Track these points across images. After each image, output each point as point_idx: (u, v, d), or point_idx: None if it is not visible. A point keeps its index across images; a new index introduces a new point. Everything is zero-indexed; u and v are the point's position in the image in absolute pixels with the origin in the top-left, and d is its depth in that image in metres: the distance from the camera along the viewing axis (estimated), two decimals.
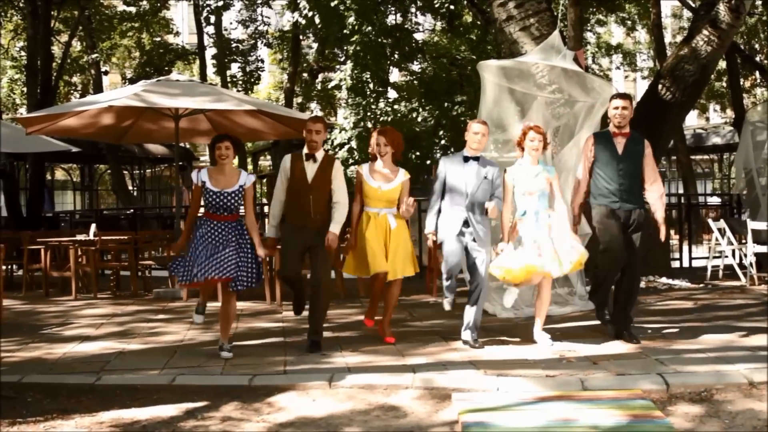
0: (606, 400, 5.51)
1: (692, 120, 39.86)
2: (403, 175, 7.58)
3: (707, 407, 5.40)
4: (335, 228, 7.31)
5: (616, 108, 7.50)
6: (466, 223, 7.33)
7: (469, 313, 7.36)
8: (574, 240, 7.39)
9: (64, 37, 25.42)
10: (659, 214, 7.57)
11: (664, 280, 11.34)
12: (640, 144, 7.55)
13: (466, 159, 7.44)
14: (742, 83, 26.41)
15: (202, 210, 7.15)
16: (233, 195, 6.95)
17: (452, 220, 7.34)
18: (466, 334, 7.36)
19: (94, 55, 24.66)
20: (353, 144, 18.15)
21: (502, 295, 7.85)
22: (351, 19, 17.64)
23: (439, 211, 7.44)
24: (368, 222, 7.46)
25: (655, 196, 7.59)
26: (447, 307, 7.49)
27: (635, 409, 5.33)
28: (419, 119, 19.00)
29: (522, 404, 5.49)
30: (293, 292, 7.68)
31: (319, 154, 7.40)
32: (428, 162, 17.43)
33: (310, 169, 7.36)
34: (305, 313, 7.63)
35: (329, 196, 7.36)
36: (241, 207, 7.06)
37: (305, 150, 7.40)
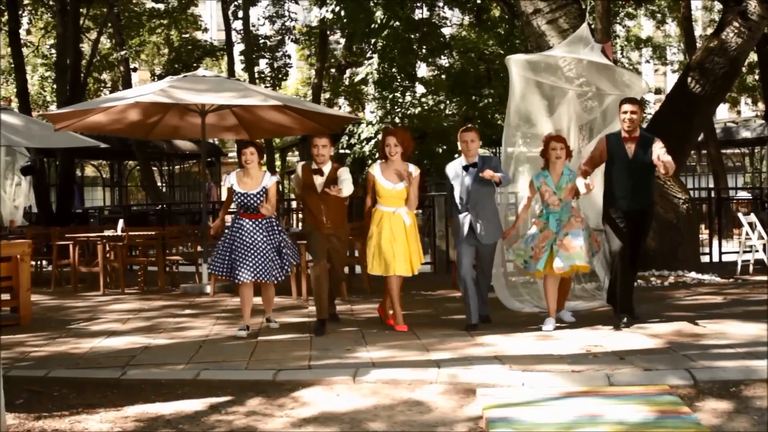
0: (633, 396, 5.45)
1: (723, 113, 39.39)
2: (414, 171, 7.82)
3: (736, 403, 5.32)
4: (342, 186, 7.68)
5: (625, 113, 7.68)
6: (471, 228, 7.75)
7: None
8: (587, 240, 7.72)
9: (94, 35, 25.60)
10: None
11: (693, 274, 11.20)
12: (648, 145, 7.66)
13: (465, 168, 7.80)
14: None
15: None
16: (257, 196, 7.85)
17: (460, 226, 7.83)
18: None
19: (122, 52, 24.81)
20: (380, 138, 18.12)
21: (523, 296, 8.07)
22: (378, 14, 17.61)
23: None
24: (385, 221, 7.76)
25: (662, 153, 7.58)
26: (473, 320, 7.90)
27: (662, 404, 5.26)
28: (447, 113, 18.94)
29: (547, 399, 5.44)
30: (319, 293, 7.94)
31: (326, 167, 7.89)
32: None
33: (319, 181, 7.86)
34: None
35: (340, 202, 7.91)
36: None
37: (313, 165, 7.91)
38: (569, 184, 7.68)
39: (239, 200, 7.87)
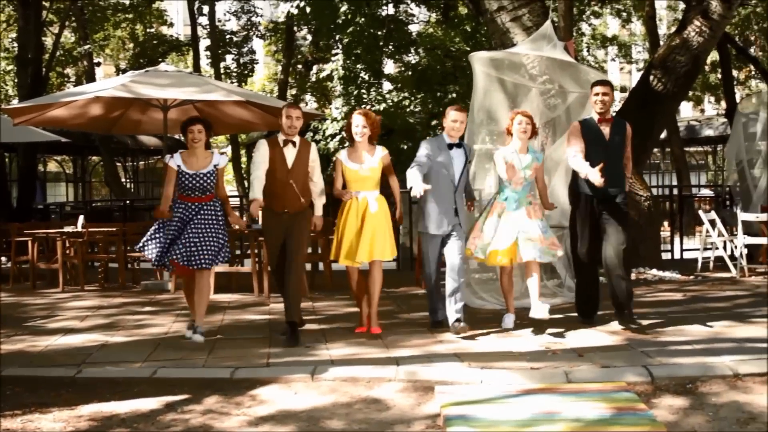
0: (590, 393, 5.46)
1: (687, 112, 39.80)
2: (381, 151, 7.52)
3: (692, 399, 5.35)
4: (319, 211, 7.59)
5: (597, 95, 7.53)
6: (456, 212, 7.46)
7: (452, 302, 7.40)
8: (551, 233, 7.62)
9: (57, 28, 25.31)
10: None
11: (654, 271, 11.30)
12: (623, 129, 7.62)
13: (450, 146, 7.49)
14: (736, 75, 26.39)
15: None
16: (207, 176, 7.24)
17: (440, 220, 7.46)
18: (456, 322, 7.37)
19: (86, 47, 24.54)
20: (345, 134, 18.07)
21: (482, 293, 7.93)
22: (343, 9, 17.55)
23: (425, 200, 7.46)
24: (349, 206, 7.43)
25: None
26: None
27: (619, 401, 5.27)
28: (412, 109, 18.94)
29: (505, 397, 5.44)
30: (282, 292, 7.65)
31: (296, 139, 7.44)
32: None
33: (290, 154, 7.37)
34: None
35: (306, 179, 7.46)
36: (213, 188, 7.32)
37: (283, 136, 7.40)
38: (535, 163, 7.55)
39: (188, 182, 7.16)
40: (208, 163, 7.26)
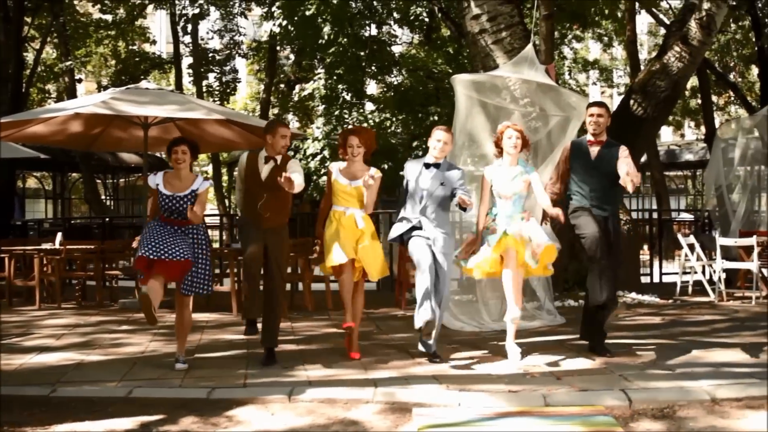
0: (568, 416, 5.45)
1: (667, 136, 40.09)
2: (373, 173, 7.33)
3: (669, 424, 5.35)
4: (293, 176, 6.98)
5: (592, 115, 7.47)
6: (420, 228, 7.26)
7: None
8: (547, 236, 7.32)
9: (38, 44, 25.22)
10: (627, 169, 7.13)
11: (633, 295, 11.32)
12: (614, 149, 7.40)
13: (427, 166, 7.39)
14: (716, 101, 26.62)
15: None
16: (185, 199, 6.86)
17: (406, 225, 7.34)
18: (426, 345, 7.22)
19: (68, 63, 24.44)
20: (326, 153, 18.10)
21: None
22: (326, 29, 17.60)
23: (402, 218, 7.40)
24: (336, 220, 7.31)
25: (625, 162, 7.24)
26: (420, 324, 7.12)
27: (597, 425, 5.27)
28: (394, 129, 18.98)
29: (483, 420, 5.42)
30: (247, 295, 7.54)
31: (279, 157, 7.34)
32: (402, 173, 17.44)
33: (267, 169, 7.28)
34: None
35: (284, 195, 7.22)
36: None
37: (265, 153, 7.33)
38: (524, 177, 7.36)
39: (165, 203, 6.87)
40: (188, 186, 6.94)
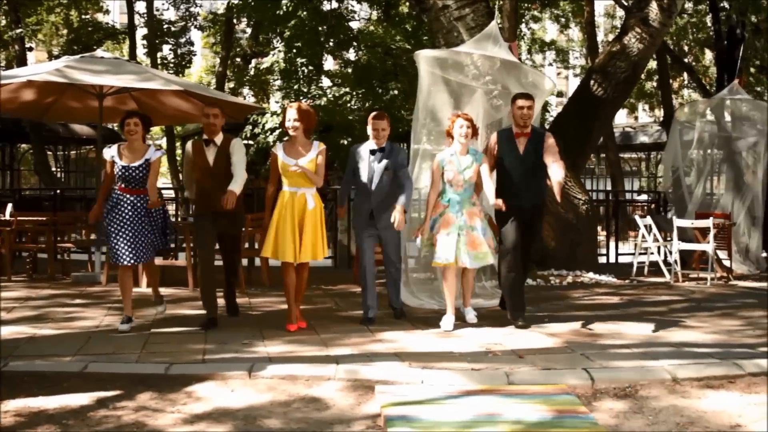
0: (531, 395, 5.43)
1: (621, 118, 40.39)
2: (317, 147, 7.40)
3: (631, 403, 5.36)
4: (233, 187, 7.28)
5: (521, 108, 7.62)
6: (371, 216, 7.72)
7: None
8: (490, 233, 7.72)
9: None
10: (555, 179, 7.34)
11: (590, 275, 11.38)
12: (540, 141, 7.64)
13: (372, 152, 7.74)
14: (670, 84, 26.82)
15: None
16: (139, 168, 7.34)
17: (361, 217, 7.86)
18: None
19: (18, 30, 23.83)
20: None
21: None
22: (285, 1, 17.34)
23: (350, 200, 7.65)
24: (286, 201, 7.31)
25: (555, 168, 7.41)
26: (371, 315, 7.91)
27: (560, 404, 5.25)
28: (353, 104, 18.81)
29: (446, 398, 5.37)
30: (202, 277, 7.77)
31: (218, 138, 7.52)
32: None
33: (211, 153, 7.49)
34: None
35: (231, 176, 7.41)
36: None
37: (204, 136, 7.54)
38: (475, 164, 7.59)
39: (121, 173, 7.33)
40: (141, 156, 7.37)
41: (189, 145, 7.72)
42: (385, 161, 7.66)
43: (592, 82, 12.13)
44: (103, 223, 7.53)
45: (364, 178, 7.72)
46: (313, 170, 7.30)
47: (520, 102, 7.64)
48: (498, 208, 7.43)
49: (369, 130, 7.78)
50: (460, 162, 7.56)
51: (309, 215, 7.31)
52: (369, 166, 7.71)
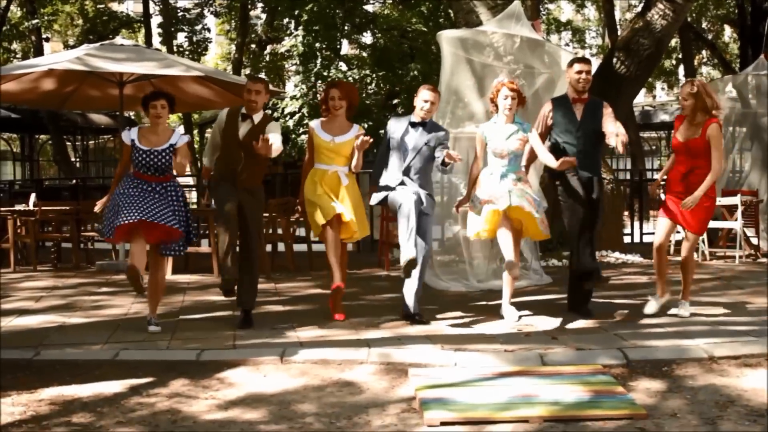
0: (567, 376, 5.37)
1: (640, 97, 40.09)
2: (357, 129, 7.23)
3: (669, 382, 5.29)
4: (270, 137, 6.79)
5: (579, 72, 7.16)
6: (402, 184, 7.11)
7: (410, 285, 7.07)
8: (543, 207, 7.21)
9: (3, 2, 24.60)
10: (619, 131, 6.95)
11: (617, 255, 11.29)
12: (599, 108, 7.21)
13: (413, 125, 7.21)
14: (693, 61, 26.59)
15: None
16: (163, 153, 6.68)
17: (393, 180, 7.16)
18: (410, 307, 7.11)
19: (34, 21, 23.86)
20: (304, 111, 17.85)
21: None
22: None
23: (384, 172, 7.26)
24: (319, 177, 7.12)
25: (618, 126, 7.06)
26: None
27: (597, 384, 5.19)
28: (372, 86, 18.72)
29: (481, 380, 5.32)
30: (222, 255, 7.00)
31: (257, 116, 7.07)
32: (381, 132, 17.27)
33: (245, 127, 7.02)
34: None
35: (260, 157, 6.90)
36: (171, 168, 6.77)
37: (243, 110, 7.10)
38: (521, 135, 7.04)
39: (140, 159, 6.63)
40: (165, 140, 6.72)
41: (224, 112, 7.24)
42: (427, 136, 7.13)
43: (615, 59, 11.98)
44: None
45: (401, 152, 7.17)
46: (350, 151, 7.12)
47: (579, 66, 7.20)
48: (569, 166, 6.89)
49: (417, 101, 7.21)
50: (504, 130, 7.05)
51: (346, 191, 7.09)
52: (406, 140, 7.17)
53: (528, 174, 7.44)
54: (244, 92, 7.13)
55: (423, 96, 7.18)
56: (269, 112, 18.50)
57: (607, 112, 7.18)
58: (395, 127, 7.29)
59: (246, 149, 6.95)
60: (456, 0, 11.32)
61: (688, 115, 7.00)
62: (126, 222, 6.38)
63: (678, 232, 9.94)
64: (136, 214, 6.39)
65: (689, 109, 6.96)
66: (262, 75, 29.11)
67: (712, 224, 11.38)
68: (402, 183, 7.11)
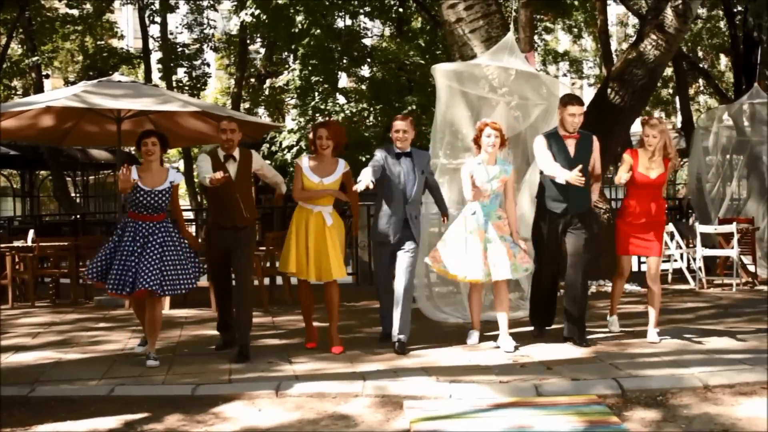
0: (562, 406, 5.37)
1: (637, 126, 40.24)
2: (343, 167, 7.35)
3: (663, 412, 5.30)
4: (283, 189, 7.84)
5: (572, 115, 7.27)
6: (406, 223, 7.27)
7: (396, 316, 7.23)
8: (522, 244, 7.41)
9: (3, 39, 24.80)
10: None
11: None
12: (590, 143, 7.43)
13: (398, 156, 7.35)
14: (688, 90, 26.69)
15: None
16: (163, 193, 6.83)
17: (387, 228, 7.33)
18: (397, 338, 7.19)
19: (34, 58, 24.02)
20: (302, 144, 17.95)
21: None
22: (299, 18, 17.38)
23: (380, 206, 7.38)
24: (304, 219, 7.21)
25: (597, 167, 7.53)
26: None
27: (592, 414, 5.20)
28: (370, 119, 18.83)
29: (476, 411, 5.33)
30: (218, 302, 7.79)
31: (236, 153, 7.27)
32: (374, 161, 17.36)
33: (232, 168, 7.19)
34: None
35: (251, 192, 7.40)
36: (167, 207, 6.95)
37: (222, 152, 7.27)
38: (503, 176, 7.24)
39: (141, 199, 6.71)
40: (164, 179, 6.85)
41: (206, 159, 7.24)
42: (418, 166, 7.31)
43: (609, 90, 12.05)
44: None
45: (398, 185, 7.29)
46: (336, 189, 7.27)
47: (572, 109, 7.26)
48: (577, 182, 6.86)
49: (392, 132, 7.42)
50: (487, 171, 7.24)
51: (329, 232, 7.20)
52: (401, 172, 7.29)
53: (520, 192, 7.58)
54: (219, 133, 7.34)
55: (395, 126, 7.44)
56: (266, 145, 18.65)
57: (595, 147, 7.45)
58: (387, 159, 7.37)
59: (240, 188, 7.18)
60: (450, 33, 11.39)
61: (654, 152, 7.16)
62: (113, 293, 6.66)
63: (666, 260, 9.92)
64: (124, 287, 6.58)
65: (658, 146, 7.14)
66: (261, 109, 29.33)
67: (710, 252, 11.42)
68: (403, 243, 7.30)
